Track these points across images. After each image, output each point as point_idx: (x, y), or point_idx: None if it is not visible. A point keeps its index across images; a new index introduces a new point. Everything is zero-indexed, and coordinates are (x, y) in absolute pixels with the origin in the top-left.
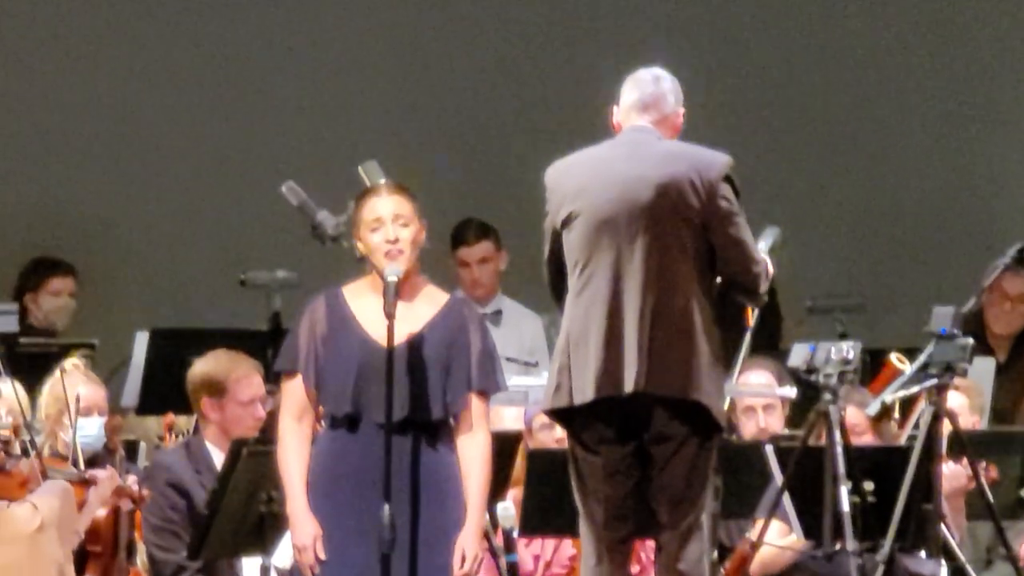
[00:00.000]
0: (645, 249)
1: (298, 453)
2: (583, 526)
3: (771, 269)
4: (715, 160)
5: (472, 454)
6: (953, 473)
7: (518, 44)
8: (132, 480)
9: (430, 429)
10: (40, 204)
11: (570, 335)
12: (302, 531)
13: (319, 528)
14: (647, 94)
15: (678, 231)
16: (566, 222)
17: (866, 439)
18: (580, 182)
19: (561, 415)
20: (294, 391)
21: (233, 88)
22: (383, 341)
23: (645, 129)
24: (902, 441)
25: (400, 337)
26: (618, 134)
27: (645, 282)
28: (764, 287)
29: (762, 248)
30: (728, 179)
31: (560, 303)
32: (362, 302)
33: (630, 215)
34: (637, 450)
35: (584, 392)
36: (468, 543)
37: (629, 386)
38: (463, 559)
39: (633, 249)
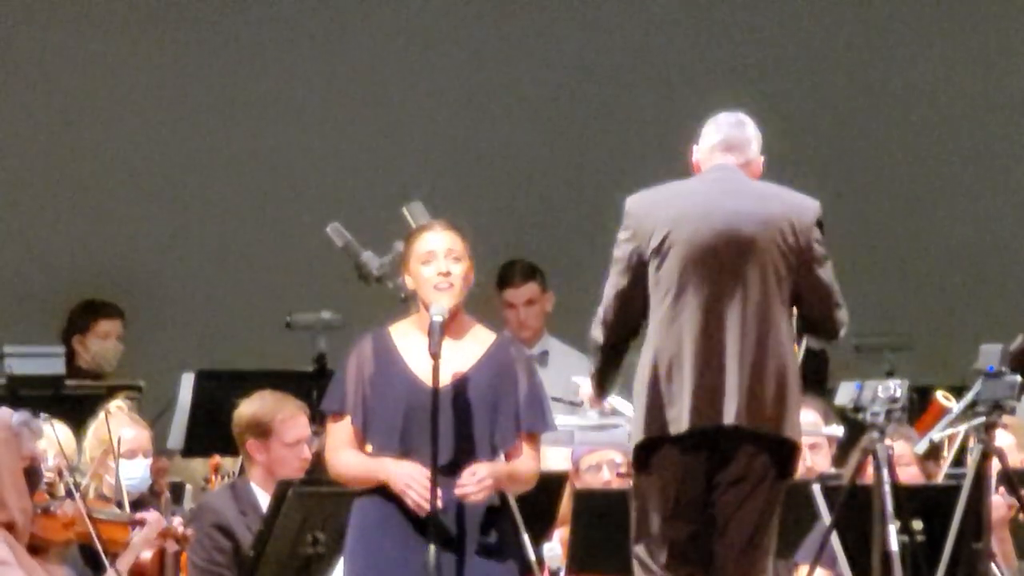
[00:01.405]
0: (747, 283)
1: (355, 453)
2: (639, 566)
3: (846, 319)
4: (809, 203)
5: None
6: (995, 505)
7: (565, 86)
8: (177, 522)
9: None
10: (88, 247)
11: (659, 364)
12: (400, 470)
13: (417, 464)
14: (733, 136)
15: (777, 268)
16: (658, 250)
17: (912, 471)
18: (677, 211)
19: (641, 449)
20: (341, 432)
21: (278, 130)
22: (429, 381)
23: (733, 168)
24: (940, 478)
25: (447, 377)
26: (701, 172)
27: (745, 316)
28: (843, 333)
29: None
30: (820, 224)
31: (616, 334)
32: (409, 341)
33: (734, 248)
34: (710, 490)
35: (679, 422)
36: (483, 468)
37: (729, 418)
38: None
39: (735, 282)
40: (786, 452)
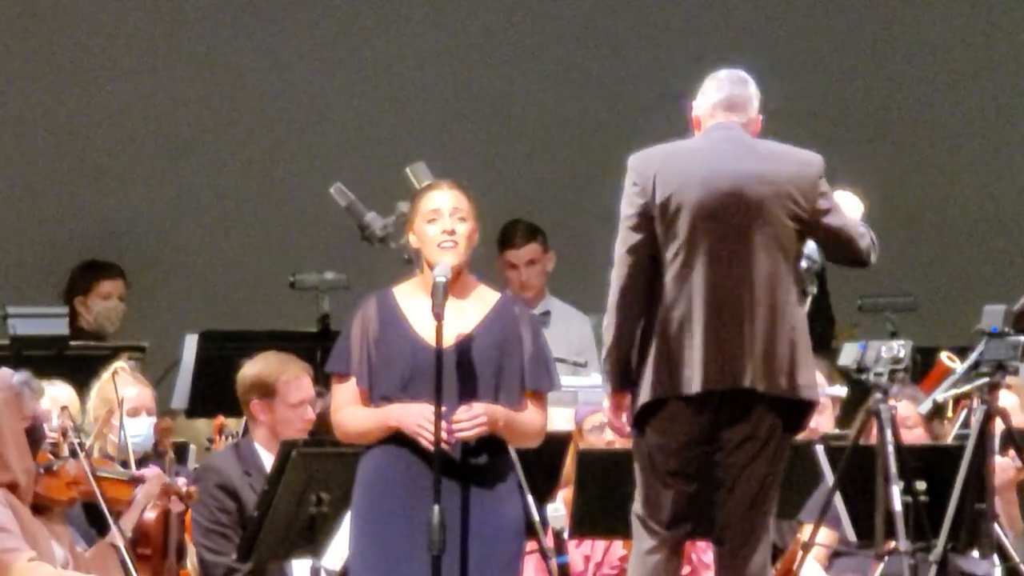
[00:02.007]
0: (756, 244)
1: (361, 407)
2: (640, 524)
3: (873, 236)
4: (813, 159)
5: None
6: (1001, 466)
7: (566, 46)
8: (181, 482)
9: None
10: (89, 208)
11: (669, 324)
12: (410, 412)
13: (425, 404)
14: (736, 95)
15: (785, 227)
16: (664, 209)
17: (918, 433)
18: (684, 172)
19: (647, 408)
20: (346, 392)
21: (281, 90)
22: (434, 341)
23: (735, 127)
24: (949, 439)
25: (450, 338)
26: (703, 130)
27: (756, 277)
28: (875, 255)
29: (813, 247)
30: (823, 177)
31: (630, 309)
32: (413, 302)
33: (742, 209)
34: (715, 449)
35: (691, 383)
36: (479, 406)
37: (745, 381)
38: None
39: (744, 243)
40: (800, 411)
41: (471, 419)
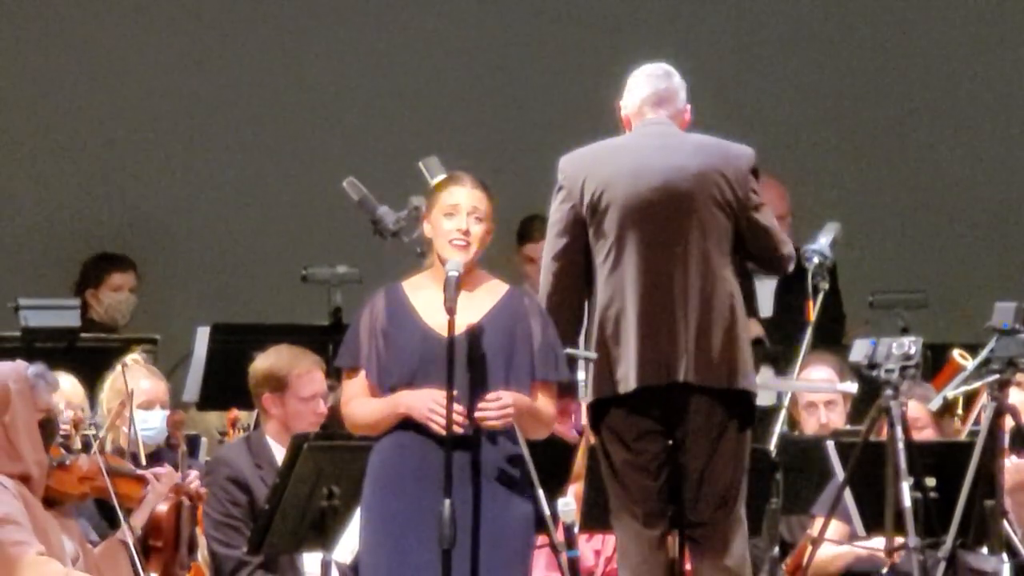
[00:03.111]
0: (688, 238)
1: (369, 399)
2: (621, 526)
3: (792, 251)
4: (743, 152)
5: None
6: (1016, 467)
7: (582, 39)
8: (193, 475)
9: None
10: (101, 199)
11: (604, 324)
12: (419, 397)
13: (434, 389)
14: (662, 89)
15: (716, 220)
16: (594, 208)
17: (927, 433)
18: (612, 169)
19: (594, 409)
20: (356, 386)
21: (294, 84)
22: (443, 332)
23: (665, 122)
24: (964, 436)
25: (460, 327)
26: (633, 127)
27: (688, 271)
28: (791, 266)
29: (824, 243)
30: (755, 171)
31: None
32: (422, 295)
33: (672, 203)
34: (672, 443)
35: (627, 381)
36: (508, 396)
37: (679, 375)
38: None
39: (675, 238)
40: (743, 403)
41: (500, 407)
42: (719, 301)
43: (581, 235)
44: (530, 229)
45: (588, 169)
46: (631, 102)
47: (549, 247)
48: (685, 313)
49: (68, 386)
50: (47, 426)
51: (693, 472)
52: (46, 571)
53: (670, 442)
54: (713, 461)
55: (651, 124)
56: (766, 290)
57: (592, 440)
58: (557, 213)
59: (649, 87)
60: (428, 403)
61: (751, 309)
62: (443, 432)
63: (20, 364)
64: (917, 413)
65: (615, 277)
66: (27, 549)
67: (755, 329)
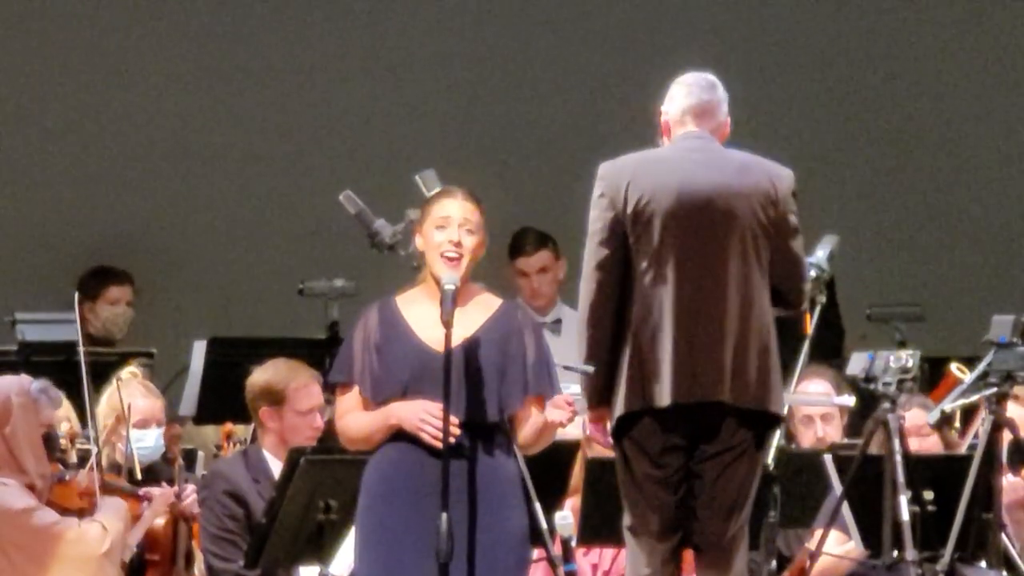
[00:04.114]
0: (728, 256)
1: (361, 412)
2: (633, 539)
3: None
4: (785, 174)
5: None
6: (1012, 486)
7: (578, 53)
8: (191, 489)
9: (486, 434)
10: (98, 213)
11: (640, 336)
12: (411, 407)
13: (425, 400)
14: (704, 100)
15: (756, 241)
16: (636, 219)
17: (932, 441)
18: (655, 181)
19: (622, 421)
20: (349, 402)
21: (291, 98)
22: (437, 347)
23: (706, 136)
24: (963, 450)
25: (454, 341)
26: (673, 138)
27: (727, 290)
28: (805, 304)
29: (821, 256)
30: (795, 194)
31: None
32: (416, 309)
33: (714, 221)
34: (693, 460)
35: (662, 397)
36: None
37: (715, 394)
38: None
39: (715, 255)
40: (768, 425)
41: (571, 408)
42: (756, 322)
43: (623, 245)
44: (522, 242)
45: (630, 177)
46: (673, 110)
47: (592, 256)
48: (723, 331)
49: (70, 403)
50: (49, 442)
51: (707, 486)
52: (89, 539)
53: (692, 458)
54: (726, 477)
55: (692, 138)
56: None
57: (589, 454)
58: (599, 222)
59: (692, 98)
60: (419, 413)
61: None
62: (435, 443)
63: (24, 378)
64: (920, 421)
65: (655, 290)
66: (68, 523)
67: None
